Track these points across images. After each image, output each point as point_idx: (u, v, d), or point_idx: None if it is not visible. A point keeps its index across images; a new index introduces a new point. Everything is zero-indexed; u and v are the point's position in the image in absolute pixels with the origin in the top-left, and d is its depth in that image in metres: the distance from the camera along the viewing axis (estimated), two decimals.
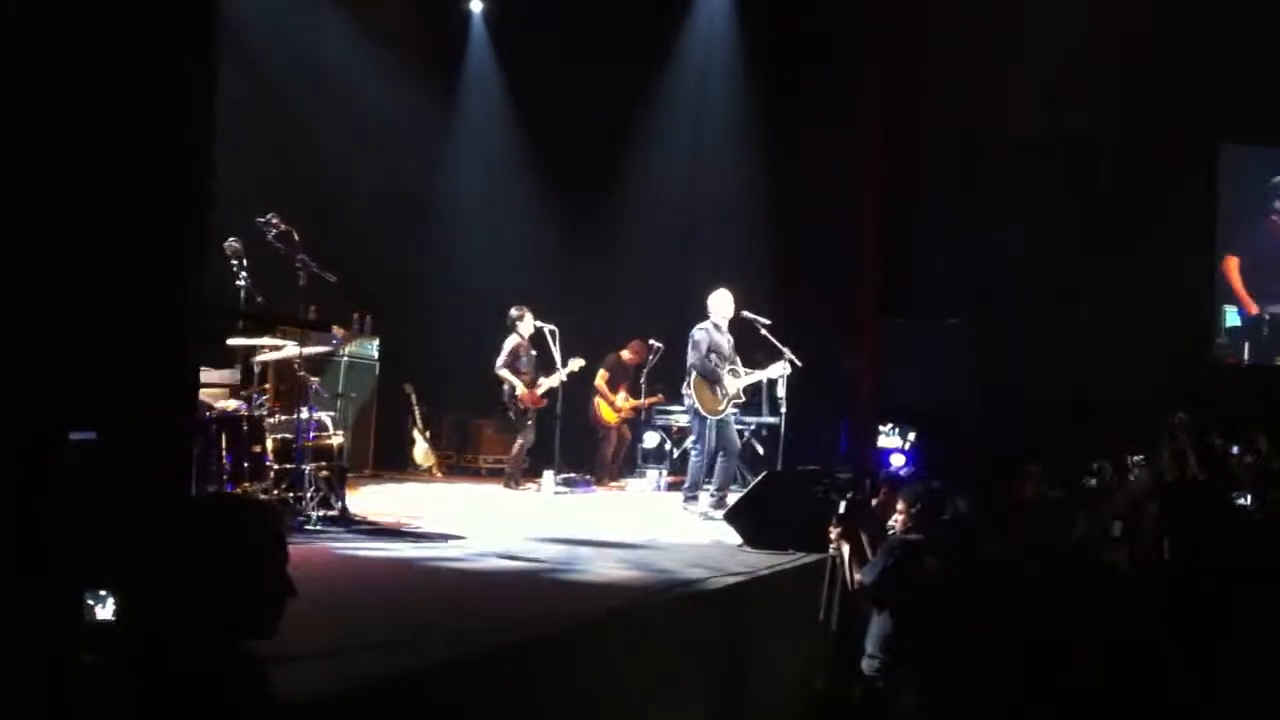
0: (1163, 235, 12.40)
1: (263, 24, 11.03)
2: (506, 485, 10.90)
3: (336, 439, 8.08)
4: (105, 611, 2.87)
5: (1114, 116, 12.79)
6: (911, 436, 10.93)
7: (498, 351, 10.98)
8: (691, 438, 9.82)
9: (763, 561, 6.71)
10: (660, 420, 12.42)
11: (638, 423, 12.45)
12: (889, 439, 11.07)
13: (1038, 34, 12.65)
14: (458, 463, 12.71)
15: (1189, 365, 12.37)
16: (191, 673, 2.27)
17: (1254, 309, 13.38)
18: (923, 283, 13.30)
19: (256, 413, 7.41)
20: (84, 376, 3.64)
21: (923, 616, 2.95)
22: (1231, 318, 13.44)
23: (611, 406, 12.03)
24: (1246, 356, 13.41)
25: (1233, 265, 13.43)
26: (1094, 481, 7.84)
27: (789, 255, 13.52)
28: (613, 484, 11.80)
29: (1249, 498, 7.52)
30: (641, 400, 12.19)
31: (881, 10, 13.10)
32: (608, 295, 13.18)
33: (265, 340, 7.86)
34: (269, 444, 7.41)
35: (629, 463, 12.41)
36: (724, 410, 9.20)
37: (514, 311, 11.11)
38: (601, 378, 11.98)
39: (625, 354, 12.20)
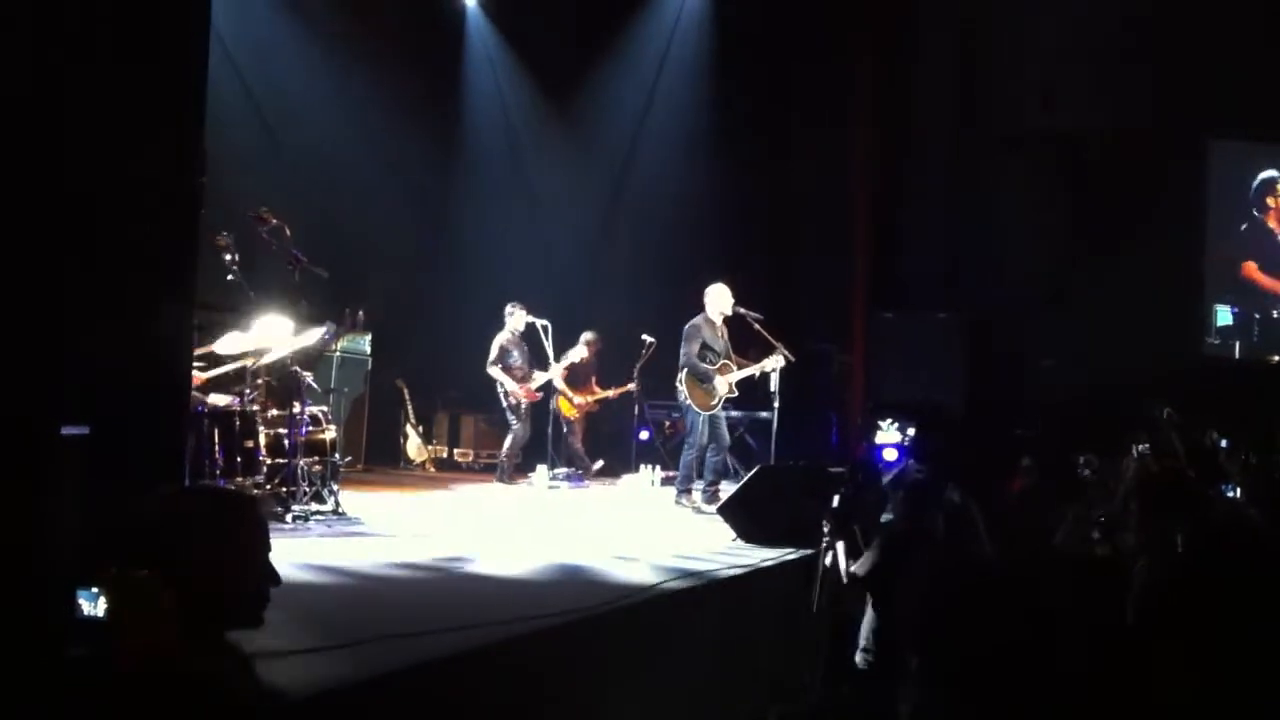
0: (1153, 232, 12.45)
1: (255, 19, 11.04)
2: (499, 480, 10.90)
3: (329, 434, 8.07)
4: (96, 608, 2.86)
5: (1105, 114, 12.81)
6: (910, 432, 10.93)
7: (489, 348, 10.96)
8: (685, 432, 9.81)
9: (756, 556, 6.72)
10: (652, 415, 12.37)
11: (609, 415, 12.27)
12: (886, 434, 11.06)
13: (1029, 31, 12.67)
14: (450, 457, 12.70)
15: (1179, 362, 12.40)
16: (179, 663, 2.28)
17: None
18: (913, 278, 13.33)
19: (249, 408, 7.41)
20: (77, 371, 3.64)
21: (918, 611, 2.97)
22: (1223, 316, 13.50)
23: (570, 402, 11.84)
24: (1237, 355, 13.47)
25: (1252, 268, 13.49)
26: (1087, 472, 7.87)
27: (781, 250, 13.54)
28: (594, 471, 11.64)
29: (1238, 491, 7.57)
30: (610, 392, 11.99)
31: (874, 6, 13.12)
32: (602, 289, 13.16)
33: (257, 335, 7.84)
34: (262, 439, 7.41)
35: (625, 454, 12.18)
36: (716, 405, 9.21)
37: (509, 307, 11.10)
38: (560, 374, 11.77)
39: (581, 350, 11.96)
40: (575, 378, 11.88)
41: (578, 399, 11.80)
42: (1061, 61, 12.58)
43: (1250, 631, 2.19)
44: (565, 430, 11.91)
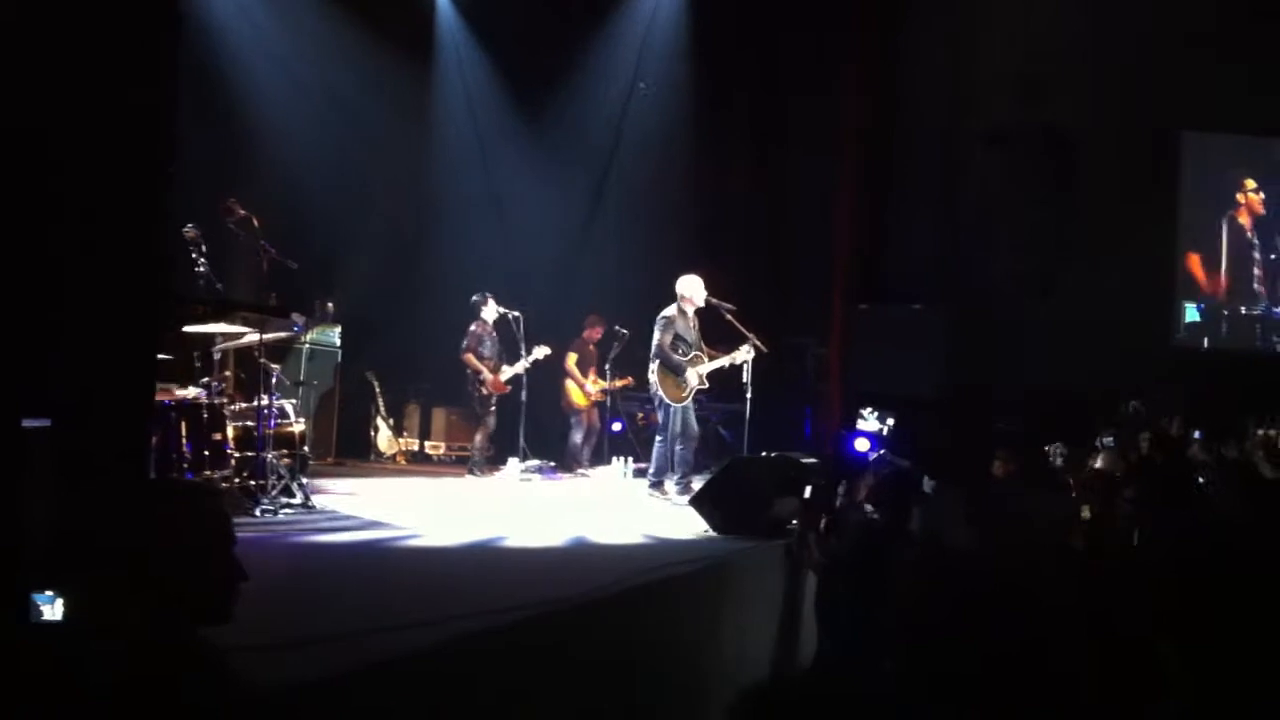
0: (1129, 227, 12.54)
1: (225, 7, 10.93)
2: (470, 473, 10.85)
3: (298, 427, 8.02)
4: (53, 612, 2.79)
5: (1085, 109, 12.87)
6: (890, 423, 10.93)
7: (462, 337, 10.92)
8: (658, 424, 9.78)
9: (728, 547, 6.72)
10: (625, 406, 12.31)
11: (605, 407, 12.26)
12: (868, 423, 11.05)
13: (1012, 26, 12.71)
14: (421, 450, 12.64)
15: (1150, 356, 12.50)
16: (147, 659, 2.24)
17: (1222, 287, 13.51)
18: (894, 272, 13.36)
19: (217, 400, 7.33)
20: (40, 362, 3.58)
21: (896, 603, 2.96)
22: (1190, 313, 13.60)
23: (582, 390, 11.84)
24: (1205, 349, 13.58)
25: (1195, 260, 13.61)
26: (1059, 461, 7.92)
27: (762, 243, 13.52)
28: (579, 470, 11.64)
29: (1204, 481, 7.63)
30: (609, 383, 11.90)
31: (860, 1, 13.14)
32: (575, 281, 13.10)
33: (225, 327, 7.77)
34: (230, 432, 7.34)
35: (599, 449, 12.17)
36: (687, 397, 9.20)
37: (476, 297, 11.05)
38: (571, 360, 11.79)
39: (586, 333, 11.99)
40: (584, 364, 11.81)
41: (590, 387, 11.73)
42: (1045, 57, 12.61)
43: (1249, 629, 2.18)
44: (571, 422, 11.78)
